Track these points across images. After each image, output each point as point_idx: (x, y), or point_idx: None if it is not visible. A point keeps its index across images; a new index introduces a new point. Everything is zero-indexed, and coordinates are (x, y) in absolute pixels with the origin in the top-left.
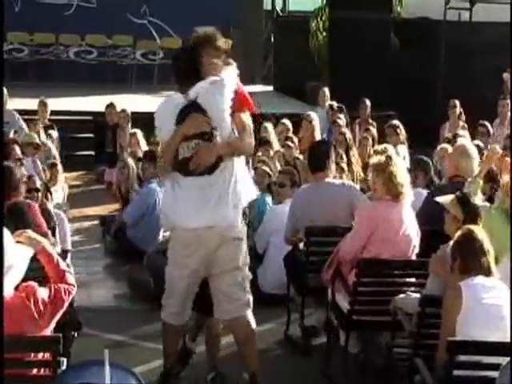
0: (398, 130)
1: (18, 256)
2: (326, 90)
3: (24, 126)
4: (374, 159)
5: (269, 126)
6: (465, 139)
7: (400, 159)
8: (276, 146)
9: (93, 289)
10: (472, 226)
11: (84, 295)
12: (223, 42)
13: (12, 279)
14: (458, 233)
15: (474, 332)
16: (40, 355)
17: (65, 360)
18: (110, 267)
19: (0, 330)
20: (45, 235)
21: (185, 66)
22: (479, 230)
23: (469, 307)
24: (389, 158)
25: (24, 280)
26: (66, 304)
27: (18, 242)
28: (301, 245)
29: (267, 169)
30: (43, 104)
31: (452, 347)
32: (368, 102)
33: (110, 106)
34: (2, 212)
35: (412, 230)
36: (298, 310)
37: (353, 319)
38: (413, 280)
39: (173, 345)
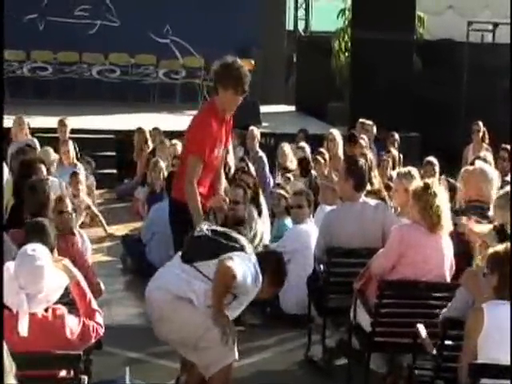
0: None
1: (54, 282)
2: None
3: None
4: (413, 185)
5: (286, 147)
6: (482, 162)
7: (441, 189)
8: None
9: (114, 307)
10: None
11: (105, 313)
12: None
13: (42, 302)
14: (502, 249)
15: (492, 354)
16: (62, 373)
17: (86, 378)
18: (130, 286)
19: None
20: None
21: None
22: None
23: (489, 330)
24: (427, 186)
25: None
26: (92, 341)
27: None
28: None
29: (283, 191)
30: (62, 124)
31: (474, 370)
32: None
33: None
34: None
35: (445, 263)
36: (319, 330)
37: (374, 340)
38: (435, 302)
39: None
